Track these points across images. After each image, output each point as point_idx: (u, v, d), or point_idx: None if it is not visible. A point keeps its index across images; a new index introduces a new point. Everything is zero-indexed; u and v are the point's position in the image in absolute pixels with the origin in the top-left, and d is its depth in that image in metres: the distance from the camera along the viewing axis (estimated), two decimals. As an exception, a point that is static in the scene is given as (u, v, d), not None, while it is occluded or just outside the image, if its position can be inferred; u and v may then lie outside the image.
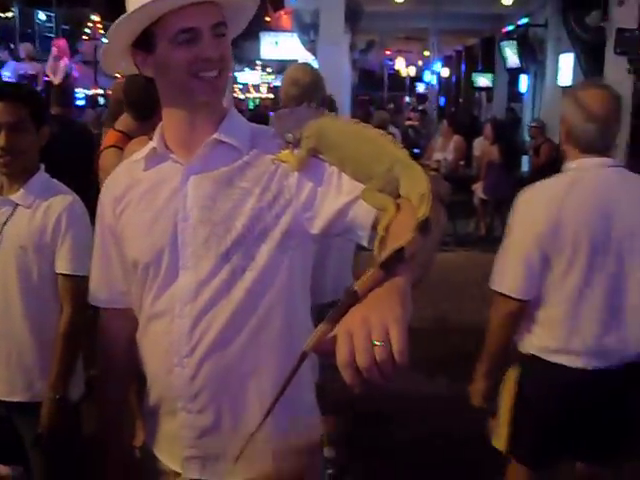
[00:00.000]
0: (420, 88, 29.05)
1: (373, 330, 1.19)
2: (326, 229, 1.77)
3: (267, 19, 21.86)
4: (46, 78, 10.02)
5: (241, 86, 33.89)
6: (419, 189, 1.52)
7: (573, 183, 2.69)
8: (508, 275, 2.74)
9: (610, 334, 2.67)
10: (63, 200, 2.58)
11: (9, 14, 20.88)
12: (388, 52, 26.39)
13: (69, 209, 2.57)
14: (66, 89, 6.50)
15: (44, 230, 2.53)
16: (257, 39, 24.10)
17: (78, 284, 2.37)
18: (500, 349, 2.86)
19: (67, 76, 6.92)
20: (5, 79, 8.86)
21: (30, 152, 2.59)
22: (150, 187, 1.87)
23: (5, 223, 2.54)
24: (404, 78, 29.27)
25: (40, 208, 2.55)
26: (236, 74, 29.56)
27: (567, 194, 2.66)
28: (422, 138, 15.82)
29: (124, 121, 3.86)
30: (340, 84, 10.32)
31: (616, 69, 9.51)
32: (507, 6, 13.56)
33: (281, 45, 21.98)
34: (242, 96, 32.66)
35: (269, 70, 35.86)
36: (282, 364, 1.73)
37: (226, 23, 1.77)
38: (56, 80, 7.44)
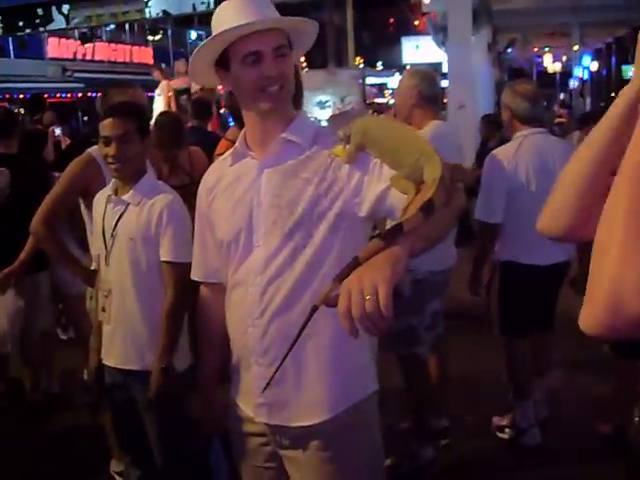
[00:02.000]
0: (572, 84, 28.29)
1: (365, 288, 1.50)
2: (371, 212, 2.07)
3: (415, 22, 22.12)
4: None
5: (391, 91, 34.17)
6: (433, 175, 1.80)
7: (519, 145, 4.15)
8: (486, 208, 4.14)
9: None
10: (164, 198, 2.98)
11: (157, 36, 22.29)
12: (536, 49, 25.85)
13: (169, 206, 2.96)
14: (203, 103, 6.91)
15: (149, 224, 2.94)
16: (399, 44, 24.49)
17: (179, 270, 2.69)
18: (483, 255, 4.34)
19: (206, 90, 7.45)
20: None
21: (137, 159, 3.02)
22: (233, 179, 2.24)
23: (119, 219, 2.98)
24: (553, 74, 28.66)
25: (146, 205, 2.96)
26: (386, 79, 30.03)
27: (517, 151, 4.14)
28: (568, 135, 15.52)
29: (232, 131, 4.25)
30: (471, 83, 10.40)
31: None
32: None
33: (421, 48, 22.27)
34: (392, 100, 32.78)
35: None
36: (334, 328, 2.01)
37: (289, 44, 2.12)
38: (197, 94, 7.97)
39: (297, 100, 3.25)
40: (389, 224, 1.85)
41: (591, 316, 1.11)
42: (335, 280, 1.60)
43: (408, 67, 27.62)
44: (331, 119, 2.26)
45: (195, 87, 8.73)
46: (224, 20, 2.08)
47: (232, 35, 2.05)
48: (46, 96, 13.33)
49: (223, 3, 2.22)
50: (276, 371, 1.95)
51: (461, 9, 9.87)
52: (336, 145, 2.10)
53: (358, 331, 1.52)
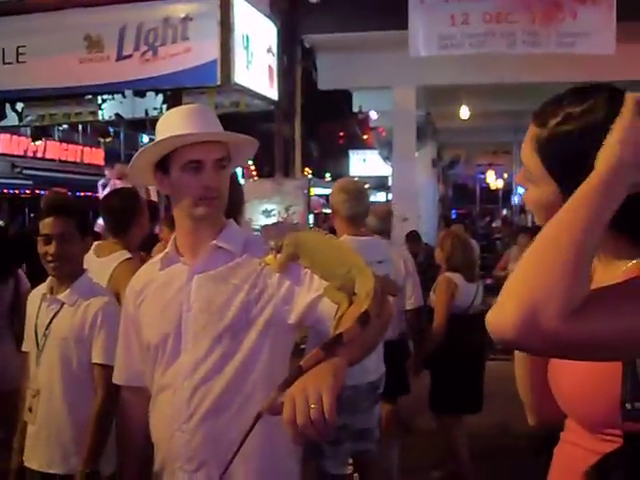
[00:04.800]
0: (514, 200, 29.10)
1: (310, 396, 1.55)
2: (300, 319, 2.16)
3: (363, 137, 22.72)
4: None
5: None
6: (367, 288, 1.89)
7: None
8: None
9: None
10: (100, 300, 3.02)
11: (108, 139, 22.49)
12: (479, 165, 26.66)
13: (104, 308, 3.00)
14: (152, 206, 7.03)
15: (83, 325, 2.97)
16: (348, 157, 25.12)
17: (110, 373, 2.69)
18: None
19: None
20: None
21: (76, 259, 3.06)
22: (163, 283, 2.31)
23: (53, 318, 2.99)
24: (496, 191, 29.50)
25: (81, 306, 2.99)
26: (329, 190, 30.27)
27: None
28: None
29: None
30: (414, 197, 10.70)
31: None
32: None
33: (368, 162, 22.92)
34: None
35: (367, 186, 36.57)
36: (265, 436, 2.04)
37: (229, 157, 2.24)
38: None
39: (238, 208, 3.35)
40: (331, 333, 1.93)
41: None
42: (279, 388, 1.66)
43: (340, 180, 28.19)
44: (263, 229, 2.36)
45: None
46: (170, 127, 2.18)
47: (177, 142, 2.15)
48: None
49: (171, 110, 2.35)
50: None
51: (406, 125, 10.24)
52: (267, 254, 2.19)
53: (301, 438, 1.57)
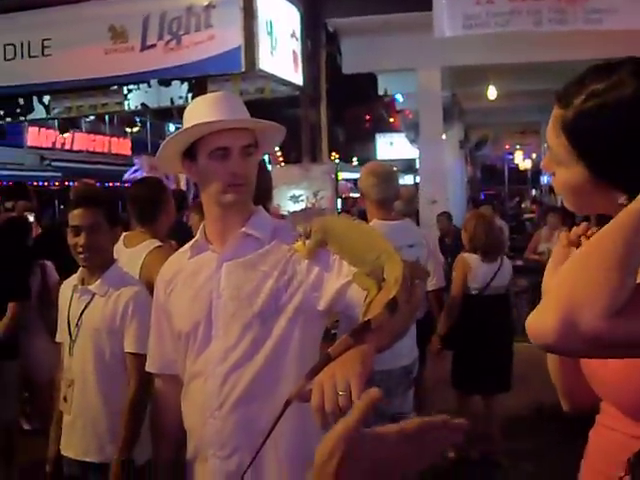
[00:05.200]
0: (543, 180, 28.84)
1: (338, 383, 1.56)
2: (330, 306, 2.16)
3: (390, 120, 22.61)
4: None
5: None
6: (395, 274, 1.88)
7: None
8: None
9: None
10: (130, 290, 3.03)
11: (135, 129, 22.59)
12: (507, 146, 26.44)
13: (135, 298, 3.01)
14: (179, 194, 7.05)
15: (115, 315, 2.98)
16: (374, 140, 25.03)
17: (142, 362, 2.68)
18: None
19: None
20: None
21: (106, 249, 3.08)
22: (192, 272, 2.31)
23: (85, 309, 3.01)
24: (525, 171, 29.26)
25: (112, 296, 3.01)
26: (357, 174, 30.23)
27: None
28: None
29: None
30: (443, 180, 10.64)
31: None
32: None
33: (395, 145, 22.83)
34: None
35: (395, 169, 36.46)
36: (295, 421, 2.04)
37: (257, 144, 2.24)
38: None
39: (267, 195, 3.35)
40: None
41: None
42: (307, 376, 1.66)
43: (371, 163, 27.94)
44: (291, 215, 2.36)
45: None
46: (196, 114, 2.19)
47: (204, 129, 2.15)
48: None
49: (197, 98, 2.35)
50: (248, 467, 1.96)
51: (432, 107, 10.17)
52: (296, 240, 2.19)
53: (330, 425, 1.55)
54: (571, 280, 1.24)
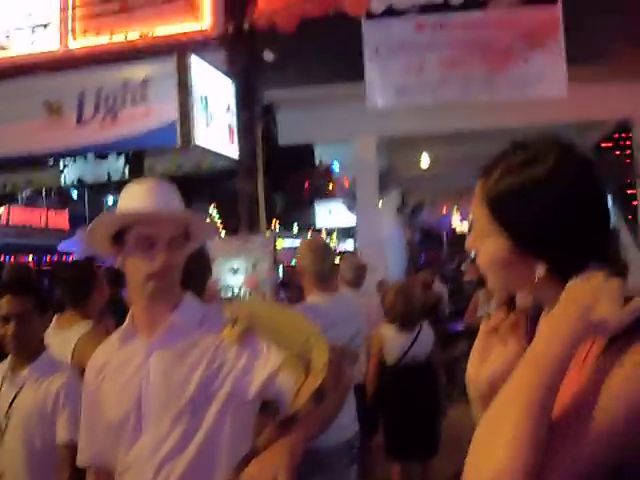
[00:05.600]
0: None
1: (266, 477, 1.59)
2: (260, 393, 2.15)
3: (328, 187, 22.82)
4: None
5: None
6: (323, 360, 1.90)
7: None
8: None
9: None
10: (61, 377, 2.98)
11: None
12: (444, 210, 26.85)
13: (66, 386, 2.95)
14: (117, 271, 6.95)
15: (46, 404, 2.91)
16: (313, 208, 25.22)
17: (74, 454, 2.60)
18: None
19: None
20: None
21: (36, 337, 3.02)
22: (122, 361, 2.28)
23: (16, 396, 2.93)
24: (462, 234, 29.69)
25: (43, 384, 2.94)
26: (298, 241, 30.30)
27: None
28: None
29: None
30: (381, 246, 10.73)
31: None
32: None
33: (334, 212, 23.04)
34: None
35: (334, 235, 36.63)
36: None
37: (187, 235, 2.26)
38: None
39: (201, 283, 3.32)
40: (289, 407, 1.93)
41: None
42: (236, 469, 1.65)
43: (312, 233, 28.24)
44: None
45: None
46: (128, 201, 2.19)
47: (130, 219, 2.15)
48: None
49: (132, 184, 2.33)
50: None
51: (368, 176, 10.32)
52: (225, 326, 2.18)
53: None
54: (490, 445, 1.24)
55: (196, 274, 2.52)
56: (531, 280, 1.45)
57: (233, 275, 8.28)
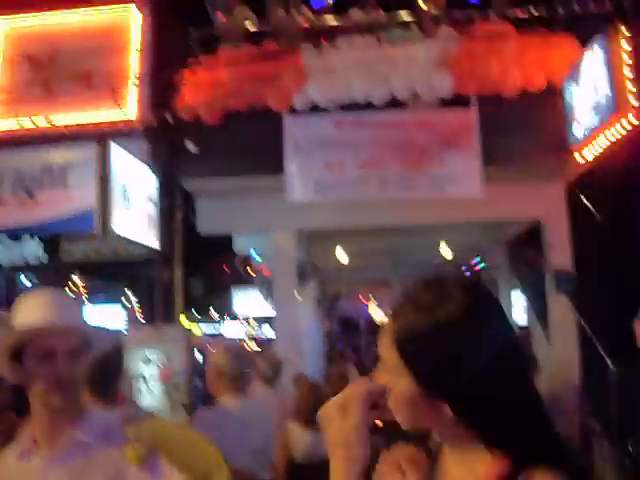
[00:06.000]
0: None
1: None
2: None
3: (247, 274, 22.80)
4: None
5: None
6: None
7: None
8: None
9: None
10: None
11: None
12: (362, 299, 27.04)
13: None
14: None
15: None
16: (231, 294, 25.21)
17: None
18: None
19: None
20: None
21: None
22: (19, 476, 2.20)
23: None
24: (380, 323, 29.88)
25: None
26: (219, 329, 30.26)
27: None
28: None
29: None
30: (297, 338, 10.70)
31: (559, 307, 9.99)
32: (461, 252, 14.27)
33: (253, 300, 23.02)
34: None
35: (253, 322, 36.42)
36: None
37: (86, 345, 2.22)
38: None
39: (112, 385, 3.26)
40: None
41: None
42: None
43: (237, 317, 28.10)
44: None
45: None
46: (23, 316, 2.16)
47: (25, 335, 2.13)
48: None
49: (26, 297, 2.29)
50: None
51: (286, 268, 10.33)
52: (127, 445, 2.15)
53: None
54: None
55: (104, 378, 2.49)
56: (438, 420, 1.47)
57: (146, 365, 8.15)
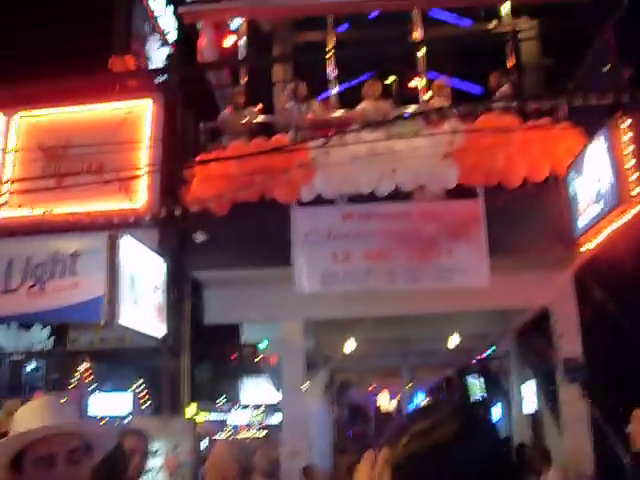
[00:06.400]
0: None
1: None
2: None
3: (255, 363, 22.68)
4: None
5: (232, 428, 33.71)
6: None
7: None
8: None
9: None
10: None
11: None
12: (371, 387, 26.77)
13: None
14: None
15: None
16: (239, 383, 25.06)
17: None
18: None
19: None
20: None
21: None
22: None
23: None
24: (389, 412, 29.48)
25: None
26: (226, 415, 29.98)
27: None
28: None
29: None
30: (306, 428, 10.58)
31: (570, 395, 9.88)
32: (471, 340, 14.19)
33: (261, 388, 22.87)
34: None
35: (261, 409, 36.03)
36: None
37: (88, 446, 2.19)
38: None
39: None
40: None
41: None
42: None
43: (247, 405, 27.77)
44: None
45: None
46: (20, 424, 2.15)
47: (23, 439, 2.11)
48: None
49: (23, 407, 2.29)
50: None
51: (294, 357, 10.29)
52: None
53: None
54: None
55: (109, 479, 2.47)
56: None
57: (152, 457, 8.05)
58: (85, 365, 22.27)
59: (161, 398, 9.61)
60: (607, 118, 8.14)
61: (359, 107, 10.15)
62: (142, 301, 8.53)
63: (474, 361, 16.98)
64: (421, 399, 24.46)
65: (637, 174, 7.66)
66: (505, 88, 10.25)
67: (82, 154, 9.17)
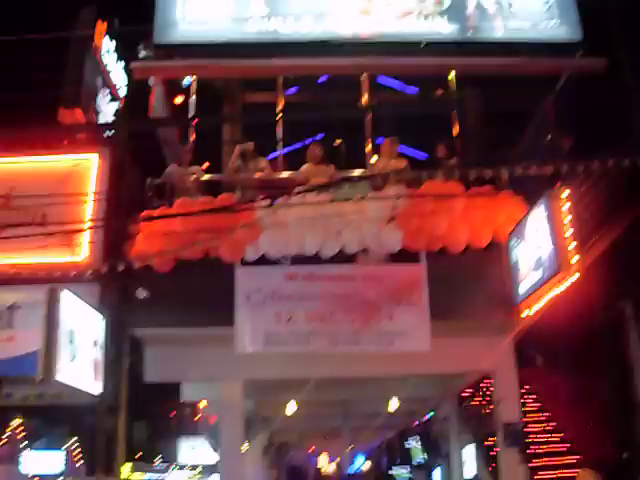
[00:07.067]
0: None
1: None
2: None
3: (194, 422, 22.32)
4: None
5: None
6: None
7: None
8: None
9: None
10: None
11: None
12: (312, 449, 26.54)
13: None
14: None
15: None
16: (177, 442, 24.61)
17: None
18: None
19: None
20: None
21: None
22: None
23: None
24: (327, 475, 29.20)
25: None
26: (162, 475, 29.31)
27: None
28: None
29: None
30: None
31: (509, 459, 9.93)
32: (412, 404, 14.19)
33: (198, 448, 22.50)
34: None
35: (199, 469, 35.39)
36: None
37: None
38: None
39: None
40: None
41: None
42: None
43: (184, 465, 27.34)
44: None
45: None
46: None
47: None
48: None
49: None
50: None
51: (233, 418, 10.15)
52: None
53: None
54: None
55: None
56: None
57: None
58: (18, 421, 21.66)
59: (96, 457, 9.38)
60: (547, 187, 8.34)
61: (302, 169, 10.28)
62: (80, 357, 8.38)
63: (415, 424, 16.97)
64: (361, 462, 24.34)
65: (575, 243, 7.83)
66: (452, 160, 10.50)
67: (25, 205, 9.06)
